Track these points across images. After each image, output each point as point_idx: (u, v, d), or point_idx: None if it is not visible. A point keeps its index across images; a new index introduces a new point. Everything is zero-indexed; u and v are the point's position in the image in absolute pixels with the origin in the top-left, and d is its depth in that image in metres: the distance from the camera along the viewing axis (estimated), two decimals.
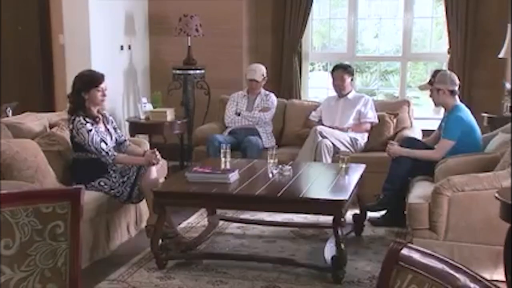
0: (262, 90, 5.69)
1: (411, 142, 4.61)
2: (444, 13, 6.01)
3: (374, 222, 4.57)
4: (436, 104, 4.63)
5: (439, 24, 6.54)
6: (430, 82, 4.54)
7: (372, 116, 5.45)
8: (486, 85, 5.97)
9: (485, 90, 5.96)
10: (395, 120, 5.52)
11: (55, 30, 6.24)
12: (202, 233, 4.35)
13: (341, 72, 5.51)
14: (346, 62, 6.03)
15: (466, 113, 4.45)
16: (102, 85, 4.13)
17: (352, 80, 5.61)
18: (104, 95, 4.16)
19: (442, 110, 4.81)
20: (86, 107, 4.12)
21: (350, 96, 5.51)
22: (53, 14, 6.20)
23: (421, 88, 4.85)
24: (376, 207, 4.55)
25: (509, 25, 5.44)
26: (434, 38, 6.83)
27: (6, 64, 6.20)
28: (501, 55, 5.54)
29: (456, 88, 4.46)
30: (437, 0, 6.44)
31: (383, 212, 4.63)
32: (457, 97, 4.49)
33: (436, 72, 4.63)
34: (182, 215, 4.76)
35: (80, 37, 5.64)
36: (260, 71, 5.66)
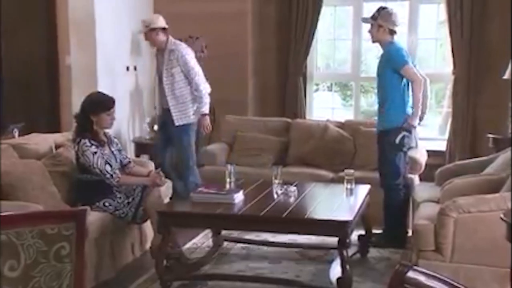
0: (170, 44, 5.24)
1: None
2: (448, 34, 6.03)
3: (374, 244, 4.53)
4: (374, 40, 4.65)
5: (443, 45, 6.56)
6: (374, 17, 4.53)
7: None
8: (491, 105, 5.96)
9: (489, 111, 5.95)
10: None
11: (61, 51, 6.29)
12: (207, 254, 4.34)
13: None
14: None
15: (401, 46, 4.59)
16: (112, 110, 4.16)
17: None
18: (113, 119, 4.18)
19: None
20: (94, 129, 4.13)
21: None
22: (60, 35, 6.25)
23: (363, 21, 4.79)
24: (383, 245, 4.51)
25: None
26: (438, 58, 6.85)
27: (12, 85, 6.24)
28: (505, 76, 5.54)
29: (396, 28, 4.54)
30: (441, 22, 6.46)
31: (381, 231, 4.62)
32: (394, 37, 4.56)
33: (381, 8, 4.60)
34: (187, 235, 4.75)
35: (87, 58, 5.67)
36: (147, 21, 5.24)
